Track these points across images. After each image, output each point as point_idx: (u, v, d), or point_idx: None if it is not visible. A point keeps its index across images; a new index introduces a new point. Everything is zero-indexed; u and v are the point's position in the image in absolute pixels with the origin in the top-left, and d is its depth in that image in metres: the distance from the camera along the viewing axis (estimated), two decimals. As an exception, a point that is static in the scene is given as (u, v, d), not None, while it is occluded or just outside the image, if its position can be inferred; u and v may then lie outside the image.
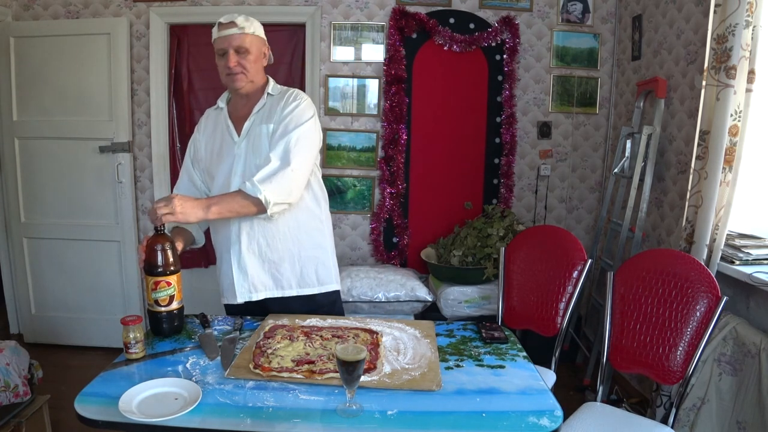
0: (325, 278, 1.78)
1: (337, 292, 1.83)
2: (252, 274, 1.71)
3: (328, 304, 1.80)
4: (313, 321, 1.63)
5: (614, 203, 2.93)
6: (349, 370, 1.12)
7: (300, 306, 1.75)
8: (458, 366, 1.39)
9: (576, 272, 2.00)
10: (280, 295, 1.74)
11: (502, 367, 1.40)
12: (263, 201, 1.52)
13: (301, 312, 1.73)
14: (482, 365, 1.40)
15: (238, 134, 1.69)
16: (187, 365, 1.36)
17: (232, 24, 1.62)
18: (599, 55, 3.17)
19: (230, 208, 1.53)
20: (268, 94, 1.72)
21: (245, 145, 1.68)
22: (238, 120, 1.72)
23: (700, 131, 2.02)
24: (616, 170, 2.82)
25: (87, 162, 3.13)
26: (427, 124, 3.18)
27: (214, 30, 1.65)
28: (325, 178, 3.13)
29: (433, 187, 3.24)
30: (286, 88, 1.76)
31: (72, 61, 3.03)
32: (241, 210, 1.55)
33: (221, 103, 1.79)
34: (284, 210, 1.62)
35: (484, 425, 1.13)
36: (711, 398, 1.90)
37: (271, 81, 1.76)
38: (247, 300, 1.72)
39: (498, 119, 3.17)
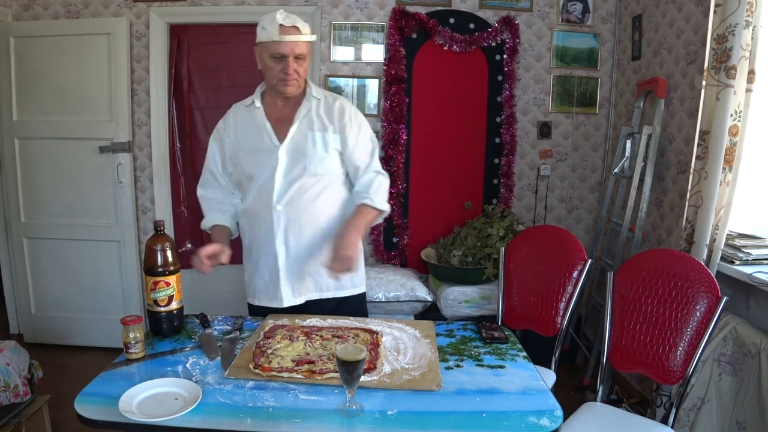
0: (358, 281, 1.86)
1: (365, 293, 1.90)
2: (298, 280, 1.74)
3: (358, 303, 1.86)
4: (313, 321, 1.63)
5: (614, 203, 2.93)
6: (349, 370, 1.13)
7: (334, 306, 1.79)
8: (458, 366, 1.39)
9: (576, 272, 2.00)
10: (317, 297, 1.78)
11: (502, 367, 1.40)
12: (386, 212, 1.76)
13: (333, 312, 1.76)
14: (482, 365, 1.40)
15: (278, 137, 1.67)
16: (187, 365, 1.36)
17: (296, 29, 1.56)
18: (599, 55, 3.17)
19: (366, 224, 1.72)
20: (313, 97, 1.69)
21: (289, 150, 1.66)
22: (277, 123, 1.68)
23: (700, 131, 2.02)
24: (616, 170, 2.81)
25: (87, 162, 3.12)
26: (427, 124, 3.18)
27: (272, 31, 1.54)
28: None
29: (433, 187, 3.24)
30: (325, 91, 1.76)
31: (72, 61, 3.03)
32: (372, 223, 1.77)
33: (257, 101, 1.71)
34: None
35: (484, 425, 1.13)
36: (711, 398, 1.90)
37: (310, 82, 1.73)
38: (292, 304, 1.75)
39: (498, 119, 3.17)
